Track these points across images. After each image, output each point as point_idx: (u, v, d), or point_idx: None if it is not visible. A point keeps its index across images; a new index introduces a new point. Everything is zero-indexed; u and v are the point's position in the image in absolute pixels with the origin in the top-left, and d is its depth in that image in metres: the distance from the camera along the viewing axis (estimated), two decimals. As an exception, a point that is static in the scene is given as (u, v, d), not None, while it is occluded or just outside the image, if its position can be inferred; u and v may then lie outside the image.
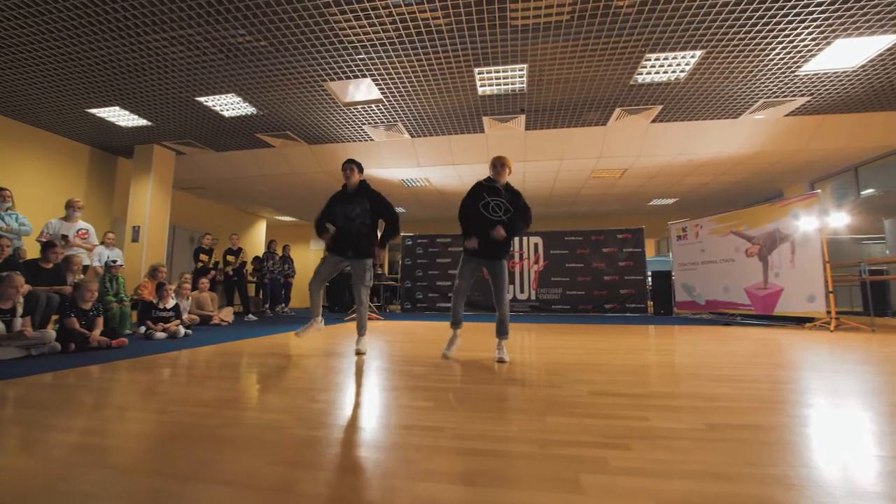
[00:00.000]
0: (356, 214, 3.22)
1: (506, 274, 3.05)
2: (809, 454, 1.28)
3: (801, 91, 5.12)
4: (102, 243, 5.55)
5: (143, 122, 5.94)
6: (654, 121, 6.02)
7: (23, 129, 5.94)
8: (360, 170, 3.35)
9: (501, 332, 3.04)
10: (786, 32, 3.92)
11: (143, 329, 4.57)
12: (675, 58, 4.36)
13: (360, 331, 3.34)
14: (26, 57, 4.31)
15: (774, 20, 3.74)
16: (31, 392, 2.08)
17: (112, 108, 5.53)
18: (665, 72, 4.65)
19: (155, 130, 6.29)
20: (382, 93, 5.15)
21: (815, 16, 3.66)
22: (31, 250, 4.73)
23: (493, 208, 3.03)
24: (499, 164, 3.07)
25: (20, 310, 3.29)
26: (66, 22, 3.74)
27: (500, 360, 2.89)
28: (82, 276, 4.67)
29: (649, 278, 8.67)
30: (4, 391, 2.10)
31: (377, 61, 4.44)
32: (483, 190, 3.08)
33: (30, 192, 5.82)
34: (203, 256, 7.34)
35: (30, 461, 1.23)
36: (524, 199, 3.09)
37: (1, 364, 2.81)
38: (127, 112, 5.62)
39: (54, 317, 3.86)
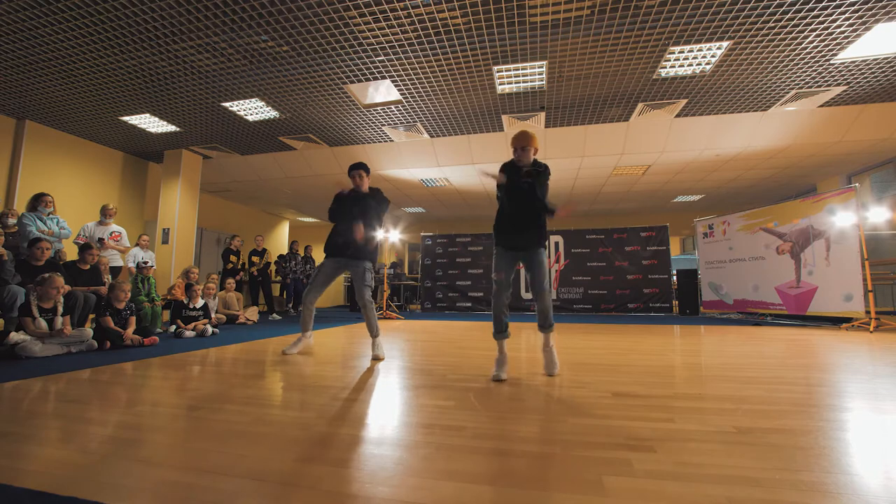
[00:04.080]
0: (358, 212, 3.24)
1: (541, 263, 2.60)
2: (847, 460, 1.22)
3: (836, 80, 4.88)
4: (137, 245, 5.79)
5: (171, 127, 6.16)
6: (678, 115, 5.86)
7: (62, 137, 6.24)
8: (367, 172, 3.37)
9: (544, 325, 2.64)
10: (820, 19, 3.75)
11: (173, 328, 4.74)
12: (700, 50, 4.23)
13: (372, 332, 3.21)
14: (66, 69, 4.53)
15: (808, 6, 3.58)
16: (71, 387, 2.19)
17: (143, 115, 5.75)
18: (690, 65, 4.51)
19: (183, 136, 6.51)
20: (402, 93, 5.18)
21: None
22: (71, 252, 4.97)
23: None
24: (518, 146, 2.54)
25: (61, 309, 3.46)
26: (101, 34, 3.91)
27: (550, 374, 2.50)
28: (109, 277, 4.87)
29: (674, 277, 8.45)
30: (46, 386, 2.21)
31: (396, 62, 4.47)
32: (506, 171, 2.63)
33: (68, 197, 6.12)
34: (233, 258, 7.56)
35: (69, 452, 1.29)
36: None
37: (43, 360, 2.97)
38: (157, 118, 5.84)
39: (91, 315, 4.05)
